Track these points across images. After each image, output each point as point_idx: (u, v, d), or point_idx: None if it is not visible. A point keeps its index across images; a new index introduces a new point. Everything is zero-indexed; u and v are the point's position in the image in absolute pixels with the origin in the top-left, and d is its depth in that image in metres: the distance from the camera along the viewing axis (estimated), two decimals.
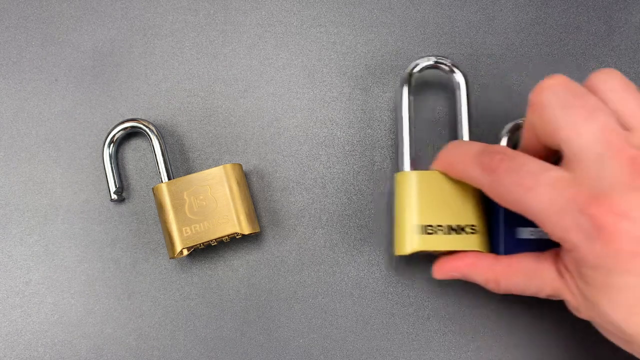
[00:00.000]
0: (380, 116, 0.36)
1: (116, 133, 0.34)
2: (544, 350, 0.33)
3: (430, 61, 0.32)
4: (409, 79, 0.32)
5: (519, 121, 0.33)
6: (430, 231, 0.29)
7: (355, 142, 0.35)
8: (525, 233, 0.30)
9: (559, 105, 0.24)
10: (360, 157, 0.35)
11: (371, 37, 0.37)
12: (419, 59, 0.33)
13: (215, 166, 0.35)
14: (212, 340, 0.34)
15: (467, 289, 0.34)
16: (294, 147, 0.36)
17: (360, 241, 0.35)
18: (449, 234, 0.30)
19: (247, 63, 0.36)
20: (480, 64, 0.36)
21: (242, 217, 0.32)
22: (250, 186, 0.35)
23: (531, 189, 0.24)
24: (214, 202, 0.32)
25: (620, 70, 0.36)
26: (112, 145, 0.34)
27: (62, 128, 0.36)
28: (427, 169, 0.31)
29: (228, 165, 0.33)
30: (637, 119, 0.24)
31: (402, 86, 0.32)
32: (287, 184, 0.35)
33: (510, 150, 0.26)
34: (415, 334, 0.33)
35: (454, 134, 0.34)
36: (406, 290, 0.34)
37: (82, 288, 0.34)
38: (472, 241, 0.30)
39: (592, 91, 0.25)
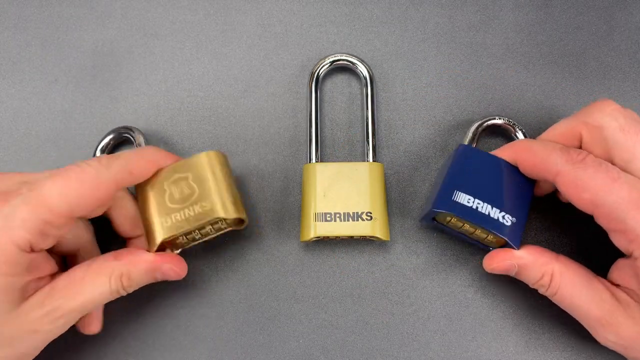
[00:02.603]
0: (382, 115, 0.36)
1: (107, 142, 0.34)
2: (544, 350, 0.33)
3: (336, 57, 0.35)
4: (316, 78, 0.35)
5: (494, 121, 0.33)
6: (328, 218, 0.32)
7: (355, 141, 0.36)
8: (463, 198, 0.30)
9: (619, 128, 0.27)
10: (360, 157, 0.35)
11: (371, 37, 0.37)
12: (326, 57, 0.35)
13: None
14: (212, 340, 0.34)
15: (467, 289, 0.34)
16: (293, 147, 0.35)
17: (360, 241, 0.35)
18: (347, 220, 0.31)
19: (247, 63, 0.36)
20: (480, 64, 0.36)
21: (227, 202, 0.30)
22: (250, 186, 0.35)
23: (616, 180, 0.25)
24: (194, 189, 0.30)
25: (620, 70, 0.36)
26: (104, 153, 0.34)
27: (62, 128, 0.36)
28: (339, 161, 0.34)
29: (211, 152, 0.31)
30: None
31: (309, 85, 0.35)
32: (287, 184, 0.35)
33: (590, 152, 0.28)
34: (415, 334, 0.33)
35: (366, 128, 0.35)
36: (406, 290, 0.34)
37: None
38: (369, 227, 0.32)
39: None
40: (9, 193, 0.26)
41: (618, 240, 0.26)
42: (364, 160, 0.34)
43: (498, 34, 0.36)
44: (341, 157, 0.35)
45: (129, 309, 0.34)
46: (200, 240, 0.31)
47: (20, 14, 0.37)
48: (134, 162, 0.29)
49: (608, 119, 0.27)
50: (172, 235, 0.30)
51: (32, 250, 0.26)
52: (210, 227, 0.31)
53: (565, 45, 0.36)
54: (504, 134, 0.35)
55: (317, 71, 0.35)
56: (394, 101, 0.36)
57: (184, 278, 0.34)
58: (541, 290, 0.29)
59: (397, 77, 0.36)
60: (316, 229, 0.32)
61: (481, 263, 0.34)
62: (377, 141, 0.35)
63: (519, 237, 0.30)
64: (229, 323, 0.34)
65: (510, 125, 0.34)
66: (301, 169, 0.35)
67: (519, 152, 0.30)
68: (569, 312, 0.29)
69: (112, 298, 0.28)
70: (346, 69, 0.36)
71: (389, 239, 0.32)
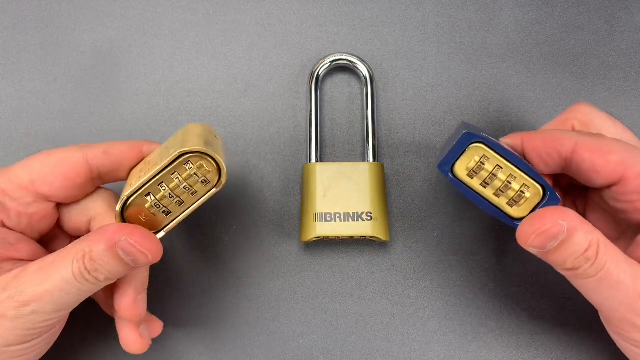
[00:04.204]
0: (382, 115, 0.36)
1: None
2: (544, 350, 0.33)
3: (336, 57, 0.35)
4: (316, 78, 0.35)
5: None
6: (328, 218, 0.32)
7: (355, 141, 0.35)
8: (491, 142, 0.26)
9: (607, 117, 0.27)
10: (360, 157, 0.35)
11: (371, 37, 0.36)
12: (326, 57, 0.35)
13: None
14: (212, 341, 0.34)
15: (467, 289, 0.34)
16: (293, 147, 0.35)
17: (360, 241, 0.35)
18: (347, 221, 0.31)
19: (247, 63, 0.36)
20: (480, 64, 0.36)
21: (194, 141, 0.26)
22: (250, 186, 0.35)
23: (638, 150, 0.25)
24: (168, 150, 0.27)
25: (620, 70, 0.36)
26: None
27: (62, 128, 0.36)
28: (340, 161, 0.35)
29: (190, 124, 0.28)
30: None
31: (309, 85, 0.35)
32: (287, 184, 0.35)
33: None
34: (416, 334, 0.33)
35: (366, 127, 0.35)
36: (406, 291, 0.34)
37: None
38: (369, 227, 0.32)
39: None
40: None
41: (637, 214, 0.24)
42: (364, 160, 0.34)
43: (498, 34, 0.36)
44: (341, 157, 0.35)
45: None
46: (180, 214, 0.26)
47: (20, 14, 0.37)
48: (112, 144, 0.28)
49: (595, 112, 0.28)
50: (137, 189, 0.25)
51: None
52: (179, 178, 0.26)
53: (566, 45, 0.36)
54: None
55: (317, 71, 0.35)
56: (394, 101, 0.36)
57: (183, 278, 0.34)
58: (584, 267, 0.23)
59: (398, 77, 0.36)
60: (316, 229, 0.32)
61: (482, 261, 0.34)
62: (377, 141, 0.35)
63: (554, 193, 0.25)
64: (229, 323, 0.34)
65: None
66: (301, 169, 0.35)
67: (525, 137, 0.26)
68: (603, 294, 0.24)
69: (82, 287, 0.24)
70: (346, 69, 0.36)
71: (389, 239, 0.32)
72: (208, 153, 0.25)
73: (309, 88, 0.35)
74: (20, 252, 0.26)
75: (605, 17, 0.36)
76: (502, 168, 0.25)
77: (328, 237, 0.32)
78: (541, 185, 0.25)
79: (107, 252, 0.24)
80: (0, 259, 0.25)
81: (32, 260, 0.25)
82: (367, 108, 0.34)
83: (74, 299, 0.25)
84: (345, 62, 0.35)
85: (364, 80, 0.35)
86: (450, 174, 0.26)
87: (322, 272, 0.34)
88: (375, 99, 0.35)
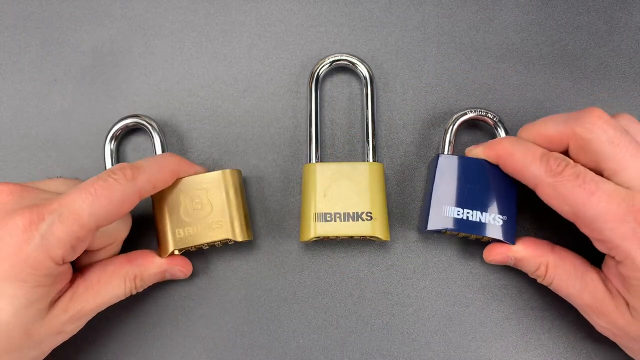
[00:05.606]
0: (382, 115, 0.36)
1: (118, 129, 0.34)
2: (544, 350, 0.33)
3: (336, 57, 0.35)
4: (316, 78, 0.35)
5: (468, 114, 0.33)
6: (328, 218, 0.32)
7: (355, 141, 0.35)
8: (452, 212, 0.31)
9: (607, 141, 0.27)
10: (360, 157, 0.35)
11: (371, 37, 0.37)
12: (326, 57, 0.35)
13: (215, 167, 0.35)
14: (212, 340, 0.34)
15: (467, 289, 0.34)
16: (293, 147, 0.35)
17: (360, 241, 0.35)
18: (347, 221, 0.31)
19: (247, 63, 0.36)
20: (480, 64, 0.36)
21: (236, 224, 0.32)
22: (250, 186, 0.35)
23: (593, 193, 0.26)
24: (209, 206, 0.32)
25: (620, 70, 0.36)
26: (113, 140, 0.34)
27: (62, 128, 0.36)
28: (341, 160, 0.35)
29: (227, 171, 0.32)
30: None
31: (309, 85, 0.35)
32: (287, 184, 0.35)
33: (570, 159, 0.28)
34: (416, 334, 0.33)
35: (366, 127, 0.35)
36: (406, 290, 0.34)
37: None
38: (369, 227, 0.32)
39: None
40: (41, 208, 0.26)
41: (600, 247, 0.28)
42: (364, 160, 0.34)
43: (498, 34, 0.36)
44: (341, 157, 0.35)
45: (128, 308, 0.34)
46: (205, 248, 0.33)
47: (20, 13, 0.37)
48: (157, 175, 0.30)
49: (598, 132, 0.27)
50: (184, 248, 0.32)
51: (64, 262, 0.27)
52: (219, 242, 0.32)
53: (565, 45, 0.36)
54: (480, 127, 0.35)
55: (317, 71, 0.35)
56: (394, 101, 0.36)
57: (183, 278, 0.34)
58: (538, 280, 0.31)
59: (397, 77, 0.36)
60: (316, 229, 0.32)
61: (482, 261, 0.34)
62: (377, 141, 0.35)
63: (512, 234, 0.31)
64: (229, 323, 0.34)
65: (483, 116, 0.33)
66: (301, 169, 0.35)
67: (500, 155, 0.30)
68: (566, 299, 0.30)
69: (126, 297, 0.31)
70: (346, 69, 0.36)
71: (389, 239, 0.32)
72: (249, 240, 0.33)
73: (309, 88, 0.35)
74: (67, 278, 0.29)
75: (604, 17, 0.36)
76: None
77: (328, 237, 0.32)
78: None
79: (157, 275, 0.32)
80: (56, 291, 0.28)
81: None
82: (367, 108, 0.34)
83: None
84: (345, 62, 0.35)
85: (364, 81, 0.35)
86: (431, 232, 0.33)
87: (322, 272, 0.34)
88: (375, 99, 0.35)
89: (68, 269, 0.28)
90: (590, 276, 0.29)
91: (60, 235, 0.26)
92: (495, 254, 0.31)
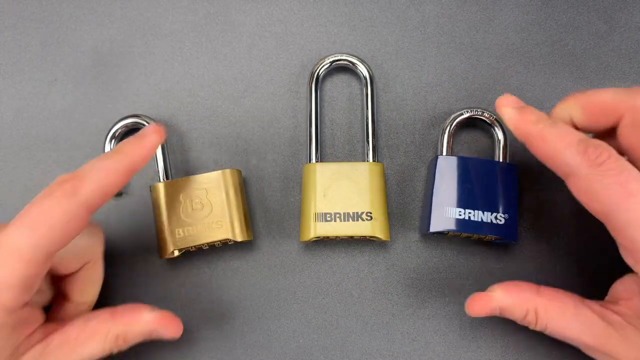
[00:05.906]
0: (382, 115, 0.36)
1: (118, 129, 0.34)
2: (544, 350, 0.33)
3: (336, 57, 0.35)
4: (316, 78, 0.35)
5: (464, 114, 0.33)
6: (328, 218, 0.32)
7: (355, 141, 0.35)
8: (454, 213, 0.31)
9: None
10: (360, 157, 0.35)
11: (371, 37, 0.37)
12: (326, 57, 0.35)
13: (215, 167, 0.35)
14: (212, 340, 0.34)
15: (467, 288, 0.34)
16: (293, 147, 0.35)
17: (360, 241, 0.35)
18: (347, 221, 0.32)
19: (247, 63, 0.36)
20: (480, 64, 0.36)
21: (236, 224, 0.32)
22: (250, 186, 0.35)
23: (633, 195, 0.22)
24: (209, 206, 0.32)
25: (620, 70, 0.36)
26: (113, 140, 0.34)
27: (62, 128, 0.36)
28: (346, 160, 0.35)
29: (227, 171, 0.32)
30: None
31: (309, 85, 0.35)
32: (287, 184, 0.35)
33: (615, 151, 0.24)
34: (416, 334, 0.33)
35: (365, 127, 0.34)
36: (406, 290, 0.34)
37: None
38: (369, 227, 0.32)
39: None
40: None
41: (626, 256, 0.25)
42: (364, 160, 0.34)
43: (498, 34, 0.36)
44: (341, 157, 0.35)
45: None
46: (205, 248, 0.33)
47: (20, 13, 0.37)
48: (105, 180, 0.26)
49: None
50: (184, 248, 0.32)
51: (24, 305, 0.25)
52: (219, 242, 0.32)
53: (565, 45, 0.36)
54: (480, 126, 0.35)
55: (317, 71, 0.35)
56: (394, 101, 0.36)
57: (183, 278, 0.34)
58: (530, 327, 0.28)
59: (398, 77, 0.36)
60: (316, 229, 0.32)
61: (482, 261, 0.34)
62: (377, 141, 0.35)
63: (514, 232, 0.32)
64: (229, 323, 0.34)
65: (480, 116, 0.34)
66: (301, 169, 0.35)
67: (530, 134, 0.26)
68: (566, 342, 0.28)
69: (104, 356, 0.28)
70: (346, 69, 0.36)
71: (389, 239, 0.32)
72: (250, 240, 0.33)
73: (309, 88, 0.35)
74: (32, 325, 0.26)
75: (604, 17, 0.36)
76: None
77: (328, 237, 0.32)
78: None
79: (143, 334, 0.28)
80: (18, 343, 0.25)
81: (39, 325, 0.27)
82: (367, 108, 0.34)
83: None
84: (345, 62, 0.35)
85: (364, 81, 0.35)
86: (431, 234, 0.33)
87: (322, 272, 0.34)
88: (375, 99, 0.35)
89: (33, 313, 0.26)
90: (586, 313, 0.26)
91: (5, 279, 0.23)
92: (479, 307, 0.28)
